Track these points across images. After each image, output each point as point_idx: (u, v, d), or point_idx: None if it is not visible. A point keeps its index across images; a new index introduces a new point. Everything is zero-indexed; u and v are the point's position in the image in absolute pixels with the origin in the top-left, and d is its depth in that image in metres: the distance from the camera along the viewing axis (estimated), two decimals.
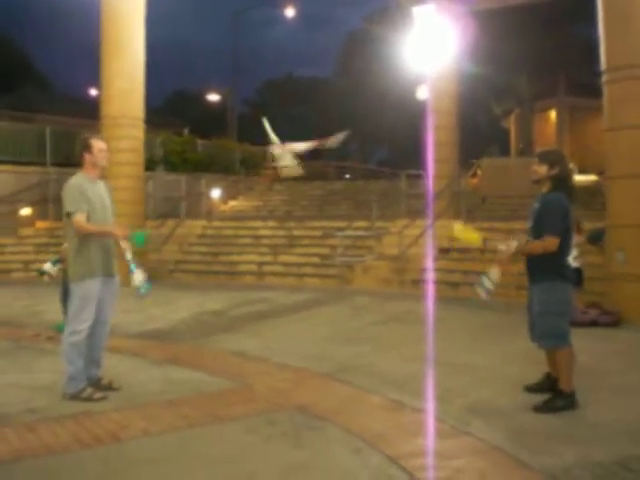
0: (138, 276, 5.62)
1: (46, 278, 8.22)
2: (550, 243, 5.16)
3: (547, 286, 5.25)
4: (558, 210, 5.20)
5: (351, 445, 4.41)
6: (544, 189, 5.38)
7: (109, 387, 5.73)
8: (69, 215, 5.49)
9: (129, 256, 5.63)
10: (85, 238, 5.50)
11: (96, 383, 5.70)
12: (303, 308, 10.99)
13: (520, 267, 5.64)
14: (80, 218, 5.43)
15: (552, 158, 5.39)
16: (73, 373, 5.47)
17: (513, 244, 5.32)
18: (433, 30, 16.88)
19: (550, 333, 5.25)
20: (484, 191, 19.53)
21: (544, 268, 5.25)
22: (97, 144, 5.67)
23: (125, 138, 14.18)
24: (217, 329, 9.03)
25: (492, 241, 6.13)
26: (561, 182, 5.31)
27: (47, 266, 8.14)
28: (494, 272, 5.37)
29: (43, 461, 4.15)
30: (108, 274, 5.63)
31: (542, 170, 5.35)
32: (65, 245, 7.96)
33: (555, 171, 5.31)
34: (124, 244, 5.60)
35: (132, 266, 5.59)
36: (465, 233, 6.04)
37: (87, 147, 5.64)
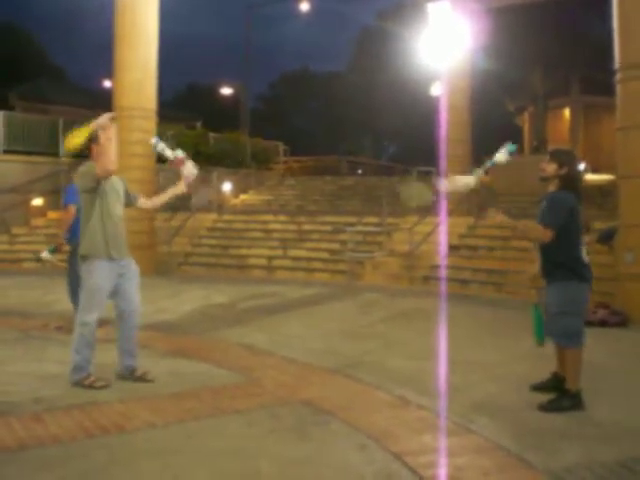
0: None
1: (48, 262, 8.17)
2: (543, 232, 5.15)
3: (563, 285, 5.22)
4: (562, 207, 5.17)
5: (355, 441, 4.40)
6: (551, 187, 5.36)
7: (143, 378, 5.75)
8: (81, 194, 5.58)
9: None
10: (87, 218, 5.55)
11: (131, 374, 5.75)
12: (312, 303, 10.99)
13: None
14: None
15: (562, 157, 5.36)
16: (79, 362, 5.49)
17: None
18: (447, 27, 16.85)
19: (564, 333, 5.21)
20: (497, 188, 19.46)
21: (561, 268, 5.21)
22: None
23: (137, 130, 14.16)
24: (225, 322, 9.04)
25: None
26: (569, 182, 5.28)
27: (44, 254, 8.08)
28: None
29: (48, 450, 4.17)
30: (113, 257, 5.56)
31: (551, 168, 5.33)
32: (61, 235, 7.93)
33: (563, 171, 5.28)
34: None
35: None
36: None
37: (95, 139, 5.65)
